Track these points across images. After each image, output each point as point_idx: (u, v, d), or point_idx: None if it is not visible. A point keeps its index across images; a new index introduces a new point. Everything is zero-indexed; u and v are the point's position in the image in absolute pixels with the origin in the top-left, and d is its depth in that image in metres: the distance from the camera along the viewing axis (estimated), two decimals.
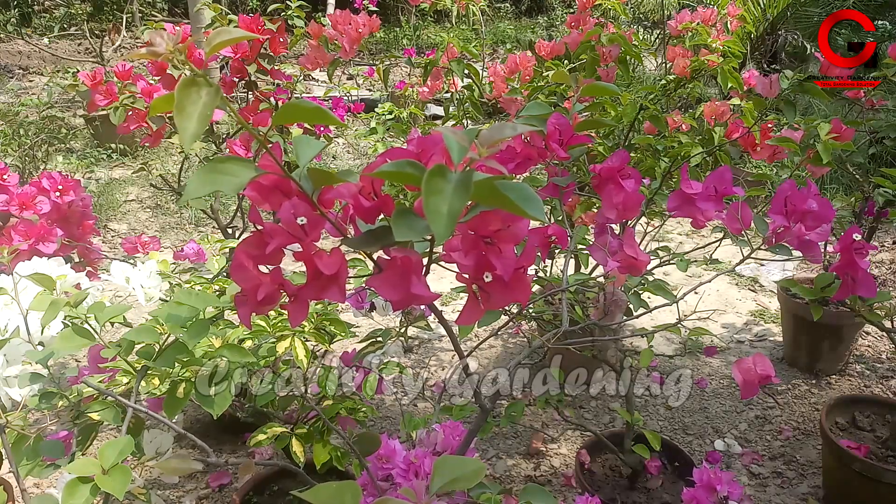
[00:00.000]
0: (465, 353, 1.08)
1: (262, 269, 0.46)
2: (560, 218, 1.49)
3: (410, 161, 0.38)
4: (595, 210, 1.46)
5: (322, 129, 1.82)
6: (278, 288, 0.45)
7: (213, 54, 0.40)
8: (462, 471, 0.49)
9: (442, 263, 0.47)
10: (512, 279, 0.44)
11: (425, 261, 0.45)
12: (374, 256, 0.46)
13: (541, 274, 1.50)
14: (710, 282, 0.96)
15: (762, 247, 0.77)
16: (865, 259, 0.75)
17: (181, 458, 0.65)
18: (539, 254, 0.82)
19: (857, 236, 0.74)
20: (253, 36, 0.41)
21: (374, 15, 1.58)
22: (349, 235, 0.45)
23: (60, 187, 1.24)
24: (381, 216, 0.45)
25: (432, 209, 0.34)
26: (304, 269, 0.45)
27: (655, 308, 0.98)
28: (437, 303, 2.25)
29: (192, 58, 1.56)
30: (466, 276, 0.45)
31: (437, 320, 0.64)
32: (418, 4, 1.74)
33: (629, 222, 1.31)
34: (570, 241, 0.85)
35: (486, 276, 0.44)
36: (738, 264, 0.86)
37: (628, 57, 1.52)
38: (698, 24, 1.60)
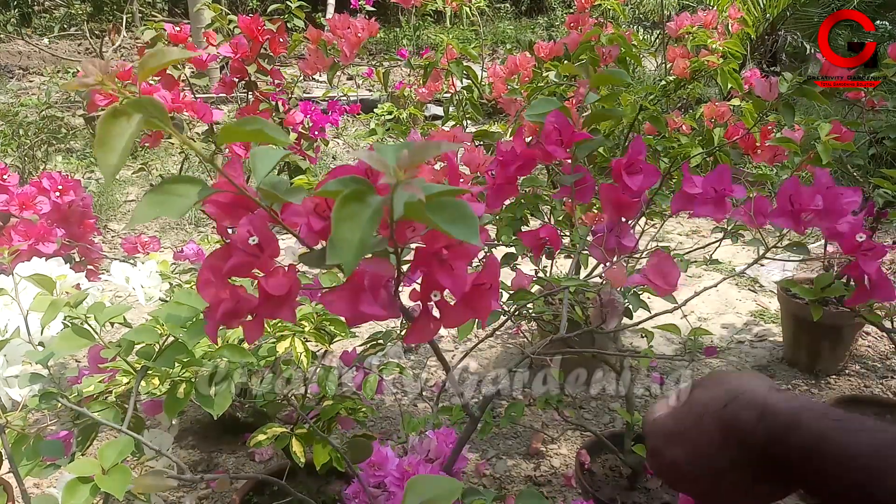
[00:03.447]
0: (464, 354, 1.08)
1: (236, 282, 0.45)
2: (560, 218, 1.49)
3: (355, 177, 0.36)
4: (595, 211, 1.46)
5: (317, 132, 1.82)
6: (238, 305, 0.44)
7: (146, 78, 0.38)
8: (436, 490, 0.47)
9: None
10: (470, 296, 0.42)
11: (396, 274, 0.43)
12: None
13: (540, 274, 1.50)
14: (716, 286, 0.95)
15: (779, 245, 0.76)
16: (875, 262, 0.71)
17: (156, 474, 0.65)
18: (532, 255, 0.82)
19: (860, 237, 0.71)
20: (189, 54, 0.40)
21: (373, 18, 1.58)
22: (313, 249, 0.44)
23: (60, 187, 1.24)
24: None
25: (340, 237, 0.32)
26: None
27: (657, 315, 0.98)
28: None
29: (192, 59, 1.56)
30: (416, 293, 0.43)
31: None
32: (418, 5, 1.74)
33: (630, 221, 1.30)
34: (568, 242, 0.85)
35: (435, 295, 0.42)
36: (750, 265, 0.86)
37: (627, 58, 1.52)
38: (699, 28, 1.60)
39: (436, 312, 0.44)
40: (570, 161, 0.78)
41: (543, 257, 0.90)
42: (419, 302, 0.44)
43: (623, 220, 0.78)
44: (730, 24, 1.70)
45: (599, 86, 0.87)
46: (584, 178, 0.79)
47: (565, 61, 1.55)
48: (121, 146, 0.34)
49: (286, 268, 0.43)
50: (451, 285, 0.41)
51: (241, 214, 0.42)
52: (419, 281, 0.43)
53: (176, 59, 0.38)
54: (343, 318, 0.43)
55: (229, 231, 0.44)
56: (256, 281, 0.43)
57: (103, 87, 0.36)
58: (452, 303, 0.44)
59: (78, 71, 3.06)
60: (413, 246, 0.43)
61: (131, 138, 0.35)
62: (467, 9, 1.70)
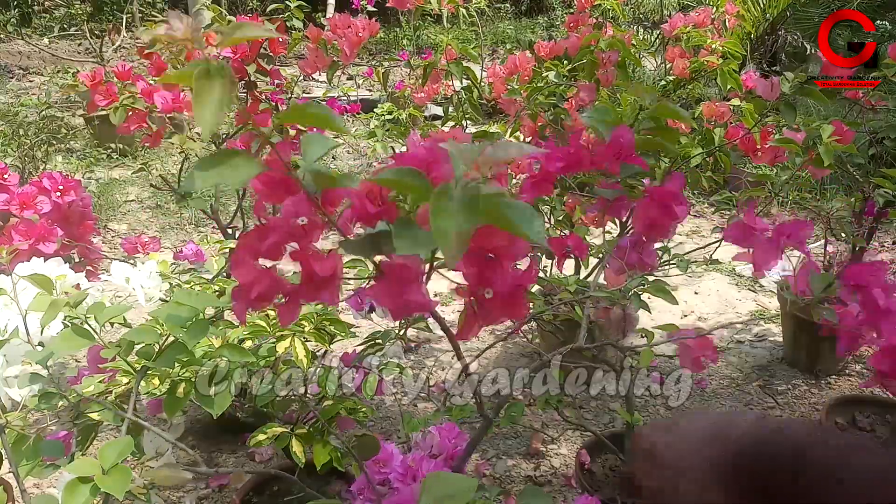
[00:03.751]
0: (468, 359, 1.08)
1: (265, 264, 0.45)
2: (560, 218, 1.49)
3: (411, 169, 0.38)
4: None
5: (318, 130, 1.82)
6: (274, 286, 0.45)
7: (226, 47, 0.40)
8: (453, 488, 0.48)
9: (442, 271, 0.46)
10: (509, 296, 0.44)
11: (427, 267, 0.45)
12: (376, 259, 0.45)
13: (541, 274, 1.50)
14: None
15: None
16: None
17: (172, 467, 0.65)
18: (558, 262, 0.81)
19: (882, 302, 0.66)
20: (268, 34, 0.41)
21: (374, 18, 1.58)
22: (350, 237, 0.45)
23: (61, 187, 1.24)
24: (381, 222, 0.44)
25: (441, 229, 0.34)
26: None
27: (661, 328, 0.97)
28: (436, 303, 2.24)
29: (191, 58, 1.56)
30: (465, 290, 0.44)
31: (436, 322, 0.64)
32: (418, 6, 1.74)
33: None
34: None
35: (485, 292, 0.43)
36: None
37: (627, 61, 1.52)
38: (692, 27, 1.60)
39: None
40: (610, 175, 0.77)
41: (543, 257, 0.90)
42: (465, 298, 0.45)
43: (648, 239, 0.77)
44: (726, 20, 1.69)
45: (663, 117, 0.86)
46: (623, 196, 0.79)
47: (565, 61, 1.55)
48: (215, 102, 0.36)
49: (326, 252, 0.44)
50: (500, 283, 0.43)
51: (284, 196, 0.43)
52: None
53: (256, 36, 0.39)
54: (340, 313, 0.43)
55: (267, 213, 0.44)
56: (299, 261, 0.44)
57: (191, 45, 0.36)
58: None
59: (78, 71, 3.05)
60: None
61: (222, 99, 0.36)
62: (464, 11, 1.70)
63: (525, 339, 1.90)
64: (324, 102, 2.10)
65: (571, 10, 1.68)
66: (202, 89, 0.36)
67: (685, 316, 2.30)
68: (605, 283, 0.98)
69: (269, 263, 0.45)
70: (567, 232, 1.44)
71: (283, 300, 0.45)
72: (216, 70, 0.36)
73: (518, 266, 0.45)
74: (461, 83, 1.68)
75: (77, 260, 1.30)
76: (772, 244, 0.70)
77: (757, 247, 0.71)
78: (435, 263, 0.45)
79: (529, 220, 0.36)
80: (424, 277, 0.44)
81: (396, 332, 1.11)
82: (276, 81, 1.61)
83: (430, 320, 1.10)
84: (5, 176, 1.23)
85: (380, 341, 1.08)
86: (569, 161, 0.75)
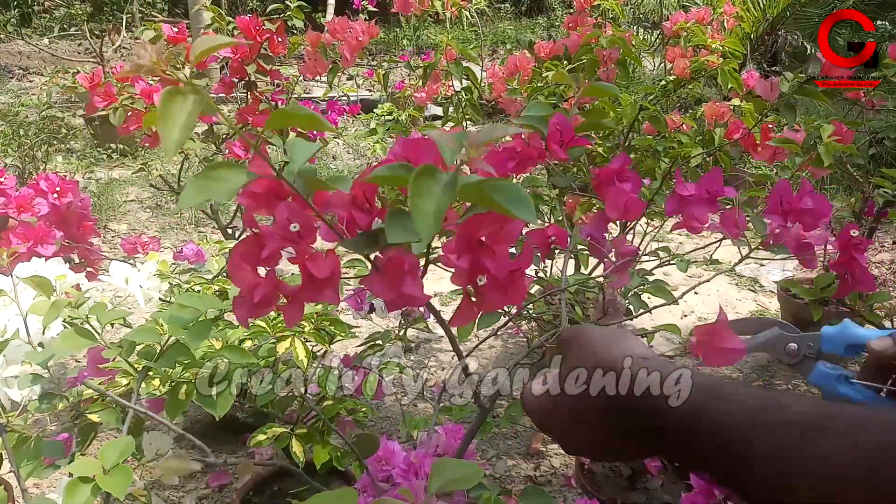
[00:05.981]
0: (465, 354, 1.08)
1: (261, 270, 0.46)
2: (560, 218, 1.49)
3: (403, 164, 0.38)
4: (595, 211, 1.46)
5: (316, 132, 1.82)
6: (275, 290, 0.45)
7: (204, 59, 0.40)
8: (460, 472, 0.50)
9: (440, 265, 0.47)
10: (506, 281, 0.44)
11: (422, 262, 0.45)
12: (372, 257, 0.46)
13: (540, 274, 1.50)
14: (708, 281, 0.95)
15: (759, 247, 0.77)
16: (864, 255, 0.74)
17: (180, 458, 0.65)
18: (539, 255, 0.82)
19: (854, 232, 0.74)
20: (234, 42, 0.42)
21: (374, 18, 1.58)
22: (345, 237, 0.45)
23: (58, 189, 1.23)
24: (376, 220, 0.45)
25: (418, 209, 0.34)
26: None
27: (654, 308, 0.98)
28: (436, 303, 2.24)
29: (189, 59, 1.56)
30: (461, 278, 0.45)
31: (436, 321, 0.64)
32: (418, 13, 1.73)
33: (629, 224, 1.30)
34: (569, 242, 0.85)
35: (480, 279, 0.44)
36: (735, 264, 0.86)
37: (628, 60, 1.52)
38: (693, 24, 1.60)
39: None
40: (566, 161, 0.79)
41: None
42: (461, 287, 0.45)
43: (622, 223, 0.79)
44: (725, 21, 1.69)
45: (592, 96, 0.88)
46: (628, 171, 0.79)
47: (564, 61, 1.55)
48: (182, 121, 0.35)
49: (325, 253, 0.44)
50: (494, 269, 0.43)
51: (274, 203, 0.43)
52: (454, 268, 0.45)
53: (221, 46, 0.40)
54: (340, 313, 0.44)
55: (258, 221, 0.44)
56: (298, 265, 0.44)
57: (156, 71, 0.36)
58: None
59: (78, 71, 3.06)
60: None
61: (191, 115, 0.35)
62: (466, 13, 1.70)
63: (525, 339, 1.90)
64: (324, 103, 2.10)
65: (571, 11, 1.68)
66: (168, 109, 0.35)
67: (685, 316, 2.30)
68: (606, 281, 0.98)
69: (266, 269, 0.45)
70: None
71: (285, 302, 0.46)
72: (186, 88, 0.36)
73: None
74: (461, 84, 1.68)
75: (77, 261, 1.30)
76: (701, 201, 0.75)
77: (690, 208, 0.76)
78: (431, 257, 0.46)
79: (517, 201, 0.35)
80: (420, 272, 0.45)
81: (396, 332, 1.11)
82: (276, 82, 1.61)
83: (430, 320, 1.10)
84: (2, 179, 1.22)
85: (379, 342, 1.08)
86: (520, 157, 0.77)
